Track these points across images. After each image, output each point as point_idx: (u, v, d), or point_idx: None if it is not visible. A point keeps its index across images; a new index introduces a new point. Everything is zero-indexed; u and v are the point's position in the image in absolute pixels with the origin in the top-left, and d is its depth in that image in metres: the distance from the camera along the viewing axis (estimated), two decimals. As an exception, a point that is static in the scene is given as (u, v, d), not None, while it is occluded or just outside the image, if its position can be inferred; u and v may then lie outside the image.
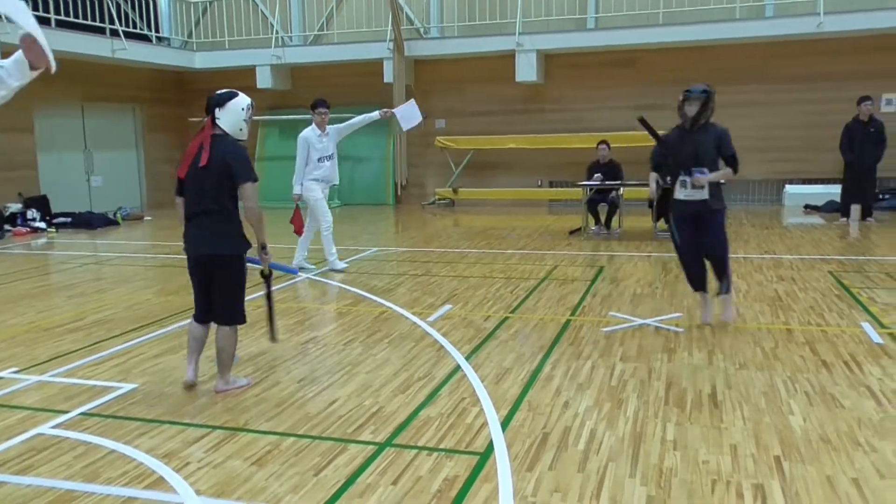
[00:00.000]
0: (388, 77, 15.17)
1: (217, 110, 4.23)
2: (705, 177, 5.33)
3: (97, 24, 13.98)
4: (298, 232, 8.18)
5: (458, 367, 4.71)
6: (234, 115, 4.24)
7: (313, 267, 8.28)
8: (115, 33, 14.23)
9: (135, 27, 15.63)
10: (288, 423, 3.89)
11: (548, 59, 14.93)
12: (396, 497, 3.05)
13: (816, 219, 12.22)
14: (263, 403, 4.18)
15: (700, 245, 5.47)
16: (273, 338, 4.69)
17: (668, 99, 14.04)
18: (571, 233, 10.74)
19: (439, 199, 15.62)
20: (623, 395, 4.15)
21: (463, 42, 15.09)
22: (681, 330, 5.45)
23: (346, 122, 8.15)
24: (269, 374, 4.70)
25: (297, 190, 8.00)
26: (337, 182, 8.39)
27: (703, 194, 5.34)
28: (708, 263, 5.58)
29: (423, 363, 4.83)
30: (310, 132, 7.89)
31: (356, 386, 4.43)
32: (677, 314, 5.91)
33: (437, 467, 3.31)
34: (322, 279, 7.75)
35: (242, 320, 4.41)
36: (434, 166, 16.00)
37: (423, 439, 3.62)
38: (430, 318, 5.97)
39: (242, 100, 4.29)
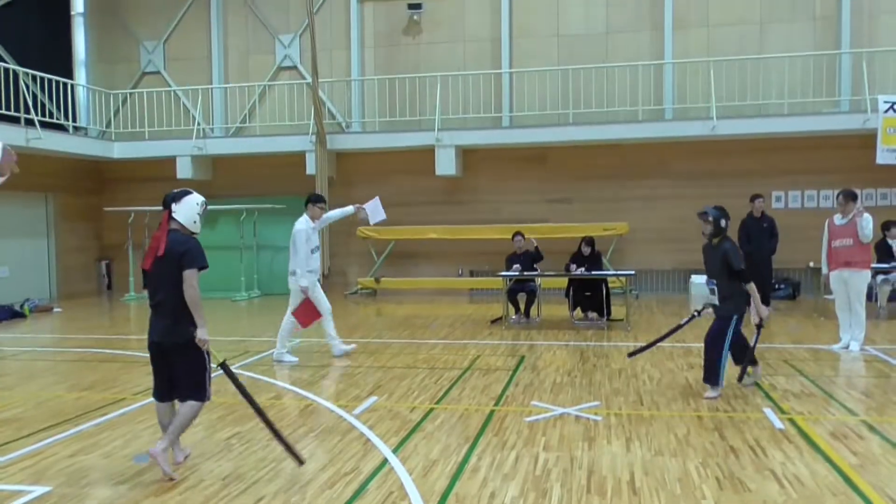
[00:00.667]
0: (310, 169, 15.41)
1: (173, 205, 4.56)
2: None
3: (12, 112, 13.77)
4: (306, 324, 8.14)
5: (385, 461, 4.76)
6: (188, 210, 4.60)
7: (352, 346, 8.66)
8: (30, 122, 14.03)
9: (51, 116, 15.45)
10: (214, 523, 3.83)
11: (466, 154, 15.55)
12: None
13: (720, 307, 12.88)
14: (188, 503, 4.10)
15: None
16: (298, 459, 4.50)
17: (578, 193, 15.00)
18: (493, 322, 11.00)
19: (362, 289, 15.70)
20: (547, 485, 4.28)
21: (384, 137, 15.58)
22: (599, 418, 5.67)
23: (325, 216, 8.45)
24: (193, 472, 4.61)
25: (304, 282, 8.00)
26: (320, 273, 8.57)
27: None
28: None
29: (349, 457, 4.85)
30: (305, 224, 8.04)
31: (282, 482, 4.41)
32: (596, 403, 6.14)
33: (367, 563, 3.33)
34: (245, 372, 7.64)
35: (207, 398, 4.61)
36: (356, 255, 16.16)
37: (353, 535, 3.64)
38: (356, 411, 6.00)
39: (196, 197, 4.67)
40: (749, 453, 4.79)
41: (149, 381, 6.95)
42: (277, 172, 15.87)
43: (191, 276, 4.46)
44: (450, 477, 4.43)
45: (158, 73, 17.50)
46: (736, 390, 6.55)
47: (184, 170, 15.97)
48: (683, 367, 7.58)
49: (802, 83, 14.25)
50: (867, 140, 13.24)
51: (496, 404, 6.17)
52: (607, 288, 11.00)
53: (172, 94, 17.04)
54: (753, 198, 12.25)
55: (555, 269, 11.66)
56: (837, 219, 8.48)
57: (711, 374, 6.29)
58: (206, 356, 4.58)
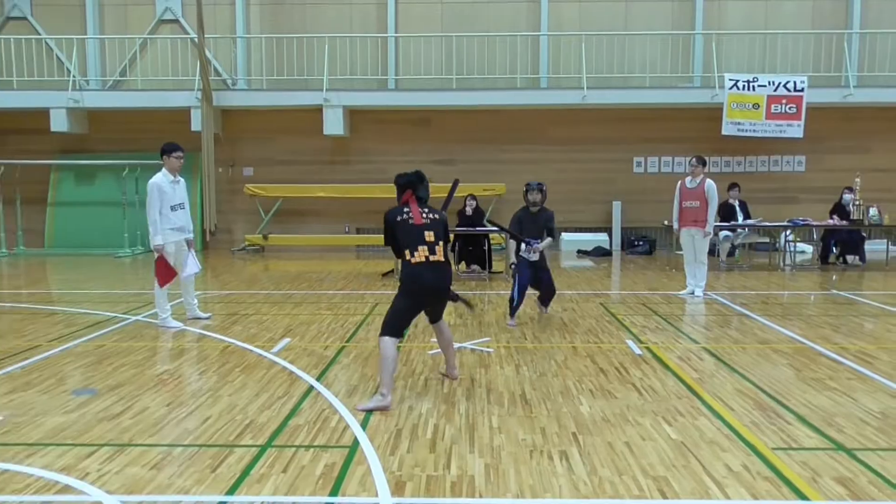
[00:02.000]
0: (195, 126, 15.38)
1: None
2: (539, 245, 7.82)
3: None
4: (163, 283, 7.59)
5: (311, 388, 5.41)
6: None
7: (208, 315, 8.22)
8: None
9: None
10: (171, 437, 4.38)
11: (353, 115, 16.01)
12: (289, 481, 3.73)
13: (587, 262, 14.24)
14: (141, 424, 4.61)
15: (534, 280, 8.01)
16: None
17: (461, 155, 15.87)
18: (384, 275, 11.72)
19: (249, 245, 15.94)
20: (454, 399, 5.10)
21: (272, 95, 15.76)
22: (491, 350, 6.56)
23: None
24: (135, 402, 5.08)
25: (157, 241, 7.48)
26: (191, 233, 7.93)
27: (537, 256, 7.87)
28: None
29: (279, 385, 5.47)
30: (161, 178, 7.53)
31: (224, 406, 4.98)
32: (486, 339, 7.04)
33: (316, 458, 4.02)
34: (152, 321, 7.97)
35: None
36: (242, 213, 16.34)
37: (298, 440, 4.31)
38: (273, 350, 6.58)
39: None
40: (615, 373, 5.82)
41: (57, 329, 7.26)
42: (161, 128, 15.54)
43: None
44: (371, 396, 5.16)
45: (25, 18, 16.67)
46: (604, 325, 7.65)
47: (58, 123, 15.50)
48: (559, 310, 8.63)
49: (662, 59, 15.72)
50: (715, 113, 14.87)
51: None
52: (489, 243, 11.97)
53: (44, 42, 16.35)
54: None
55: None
56: (688, 181, 9.77)
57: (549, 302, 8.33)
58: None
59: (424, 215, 5.13)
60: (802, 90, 14.68)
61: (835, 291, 10.16)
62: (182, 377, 5.76)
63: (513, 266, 8.10)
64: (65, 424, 4.59)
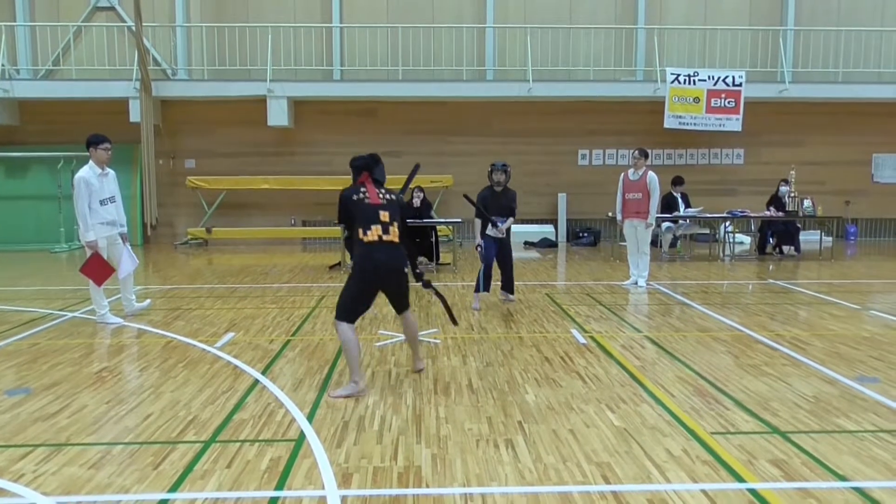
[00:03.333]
0: (134, 116, 14.99)
1: None
2: (505, 224, 8.19)
3: None
4: (100, 282, 7.32)
5: (256, 381, 5.34)
6: None
7: (147, 303, 8.11)
8: None
9: None
10: (110, 435, 4.27)
11: (297, 105, 15.81)
12: (233, 476, 3.67)
13: (534, 253, 14.38)
14: (78, 423, 4.48)
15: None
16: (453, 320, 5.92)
17: (407, 146, 15.83)
18: (331, 267, 11.63)
19: (192, 239, 15.62)
20: (401, 391, 5.10)
21: (213, 85, 15.44)
22: (438, 342, 6.58)
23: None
24: (73, 400, 4.93)
25: (90, 237, 7.24)
26: (124, 227, 7.67)
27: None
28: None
29: (223, 380, 5.38)
30: (87, 172, 7.30)
31: (166, 402, 4.87)
32: (434, 329, 7.05)
33: (261, 453, 3.97)
34: (90, 317, 7.74)
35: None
36: (184, 206, 16.00)
37: (243, 435, 4.25)
38: (217, 345, 6.47)
39: None
40: (559, 361, 5.90)
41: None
42: (97, 119, 15.06)
43: None
44: (317, 390, 5.12)
45: (-53, 3, 15.98)
46: (550, 315, 7.75)
47: (-14, 113, 14.91)
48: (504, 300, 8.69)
49: (605, 52, 15.95)
50: (657, 106, 15.17)
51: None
52: (436, 235, 11.98)
53: (-30, 29, 15.68)
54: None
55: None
56: (631, 174, 9.94)
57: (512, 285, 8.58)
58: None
59: (381, 196, 5.16)
60: (741, 85, 15.10)
61: (771, 281, 10.48)
62: (122, 374, 5.62)
63: (479, 248, 8.29)
64: (-3, 425, 4.44)
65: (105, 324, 7.42)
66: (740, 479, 3.62)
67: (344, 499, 3.41)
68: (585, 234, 15.83)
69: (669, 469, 3.74)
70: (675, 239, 13.63)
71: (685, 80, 15.13)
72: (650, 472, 3.70)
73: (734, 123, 15.25)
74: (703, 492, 3.48)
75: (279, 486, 3.55)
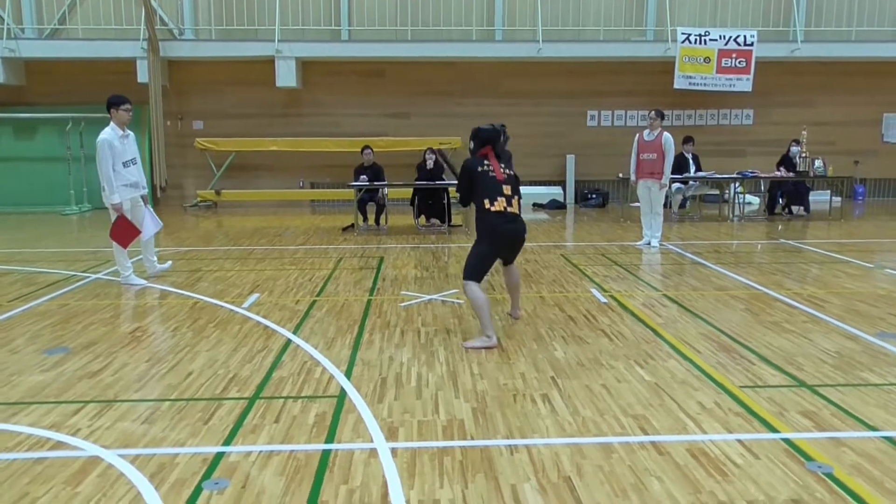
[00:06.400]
0: (142, 77, 14.90)
1: None
2: None
3: None
4: (125, 244, 7.38)
5: (289, 341, 5.45)
6: None
7: (168, 264, 8.23)
8: None
9: None
10: (155, 392, 4.39)
11: (305, 66, 15.70)
12: (283, 430, 3.79)
13: (543, 215, 14.44)
14: (122, 381, 4.59)
15: None
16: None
17: (416, 108, 15.76)
18: (344, 229, 11.70)
19: (201, 202, 15.65)
20: (433, 349, 5.21)
21: (221, 45, 15.31)
22: (461, 302, 6.68)
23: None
24: (113, 359, 5.04)
25: (115, 199, 7.23)
26: (146, 189, 7.73)
27: None
28: None
29: (256, 339, 5.49)
30: (110, 133, 7.23)
31: (204, 360, 4.99)
32: (454, 290, 7.15)
33: (306, 408, 4.09)
34: (113, 279, 7.84)
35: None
36: (193, 168, 15.98)
37: (285, 391, 4.37)
38: (244, 305, 6.57)
39: None
40: (583, 320, 6.01)
41: (16, 289, 7.11)
42: (104, 79, 15.09)
43: None
44: (350, 348, 5.24)
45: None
46: (567, 275, 7.85)
47: (-7, 74, 14.82)
48: (523, 261, 8.78)
49: (616, 13, 15.80)
50: (667, 66, 15.09)
51: (370, 295, 7.00)
52: (448, 197, 12.03)
53: (-27, -12, 15.49)
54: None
55: (401, 180, 12.50)
56: (646, 134, 9.96)
57: None
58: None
59: (504, 171, 5.41)
60: (752, 44, 14.98)
61: (783, 240, 10.57)
62: (156, 334, 5.73)
63: None
64: (43, 383, 4.55)
65: (129, 285, 7.51)
66: (773, 430, 3.74)
67: (394, 451, 3.52)
68: (594, 196, 15.86)
69: (704, 420, 3.87)
70: (685, 200, 13.68)
71: (696, 40, 15.01)
72: (686, 424, 3.83)
73: (745, 84, 15.18)
74: (740, 441, 3.60)
75: (329, 440, 3.67)
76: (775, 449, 3.52)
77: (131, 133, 7.62)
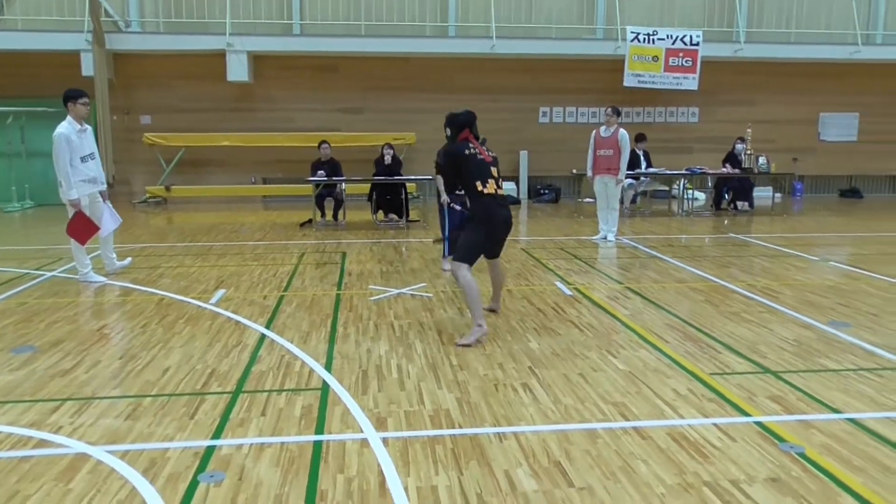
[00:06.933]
0: (87, 70, 14.47)
1: None
2: None
3: None
4: (84, 240, 7.21)
5: (263, 336, 5.44)
6: None
7: (128, 261, 8.07)
8: None
9: None
10: (134, 388, 4.34)
11: (257, 60, 15.50)
12: (271, 423, 3.81)
13: (498, 209, 14.57)
14: (98, 378, 4.52)
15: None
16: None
17: (369, 103, 15.74)
18: (302, 225, 11.62)
19: (150, 198, 15.31)
20: (409, 341, 5.27)
21: (170, 38, 15.00)
22: (430, 296, 6.75)
23: None
24: (84, 357, 4.95)
25: (73, 195, 7.07)
26: (105, 184, 7.61)
27: None
28: None
29: (229, 334, 5.46)
30: (67, 127, 7.06)
31: (179, 356, 4.94)
32: (422, 284, 7.22)
33: (291, 401, 4.11)
34: (71, 276, 7.66)
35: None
36: (142, 163, 15.62)
37: (267, 385, 4.37)
38: (212, 301, 6.51)
39: None
40: (552, 312, 6.15)
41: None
42: (47, 72, 14.63)
43: None
44: (326, 342, 5.26)
45: None
46: (531, 269, 7.99)
47: (-73, 65, 14.22)
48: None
49: (567, 11, 16.06)
50: (617, 65, 15.41)
51: (338, 289, 7.01)
52: (406, 192, 12.07)
53: None
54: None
55: (356, 175, 12.48)
56: (603, 130, 10.19)
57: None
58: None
59: (489, 153, 5.41)
60: (698, 44, 15.43)
61: (731, 234, 10.94)
62: (124, 331, 5.64)
63: (449, 205, 7.77)
64: (15, 382, 4.44)
65: (88, 282, 7.34)
66: (745, 414, 3.93)
67: (385, 440, 3.58)
68: (546, 191, 16.11)
69: (680, 406, 4.03)
70: (636, 195, 14.02)
71: (644, 39, 15.38)
72: (663, 410, 3.98)
73: (691, 82, 15.62)
74: (716, 425, 3.77)
75: (319, 431, 3.70)
76: (749, 432, 3.70)
77: (89, 127, 7.46)
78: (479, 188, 5.23)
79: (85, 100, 7.30)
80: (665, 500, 3.02)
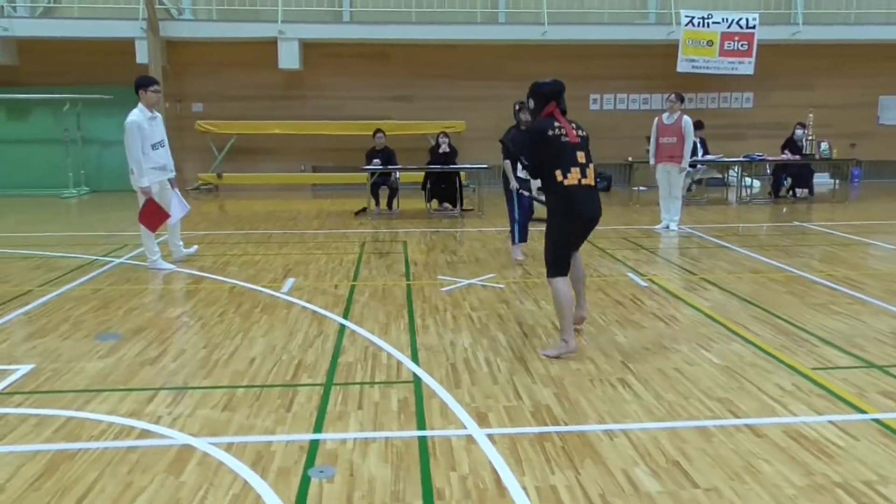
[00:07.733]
0: (141, 58, 14.56)
1: None
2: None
3: None
4: (154, 228, 7.28)
5: (342, 326, 5.38)
6: None
7: (194, 248, 8.10)
8: None
9: None
10: (225, 379, 4.31)
11: (307, 48, 15.46)
12: (369, 416, 3.74)
13: (549, 197, 14.38)
14: (186, 367, 4.51)
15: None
16: None
17: (419, 91, 15.61)
18: (357, 213, 11.58)
19: (202, 185, 15.42)
20: (491, 334, 5.18)
21: (222, 26, 15.00)
22: (502, 286, 6.64)
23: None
24: (168, 345, 4.95)
25: (144, 183, 7.11)
26: (174, 172, 7.62)
27: None
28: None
29: (308, 324, 5.41)
30: (138, 115, 7.09)
31: (262, 346, 4.91)
32: (491, 275, 7.10)
33: (385, 394, 4.04)
34: (139, 263, 7.70)
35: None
36: (193, 150, 15.67)
37: (357, 377, 4.31)
38: (283, 290, 6.48)
39: None
40: (631, 304, 6.01)
41: (40, 273, 6.96)
42: (102, 60, 14.75)
43: None
44: (408, 333, 5.18)
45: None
46: (598, 259, 7.84)
47: (-16, 53, 14.44)
48: (547, 245, 8.75)
49: (620, -6, 15.74)
50: (670, 50, 15.05)
51: (407, 280, 6.94)
52: (460, 181, 11.96)
53: (-37, -35, 15.03)
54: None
55: (408, 164, 12.41)
56: (665, 118, 9.95)
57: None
58: None
59: (577, 132, 4.64)
60: (754, 27, 15.01)
61: (797, 223, 10.64)
62: (203, 319, 5.62)
63: (518, 191, 7.56)
64: (106, 370, 4.45)
65: (157, 269, 7.38)
66: (860, 411, 3.76)
67: (490, 437, 3.49)
68: (598, 180, 15.82)
69: (789, 403, 3.87)
70: (692, 184, 13.72)
71: (699, 23, 15.00)
72: (773, 407, 3.83)
73: (747, 67, 15.21)
74: (832, 423, 3.61)
75: (420, 426, 3.62)
76: (870, 430, 3.54)
77: (159, 115, 7.47)
78: (559, 178, 4.49)
79: (156, 87, 7.34)
80: (797, 502, 2.89)
